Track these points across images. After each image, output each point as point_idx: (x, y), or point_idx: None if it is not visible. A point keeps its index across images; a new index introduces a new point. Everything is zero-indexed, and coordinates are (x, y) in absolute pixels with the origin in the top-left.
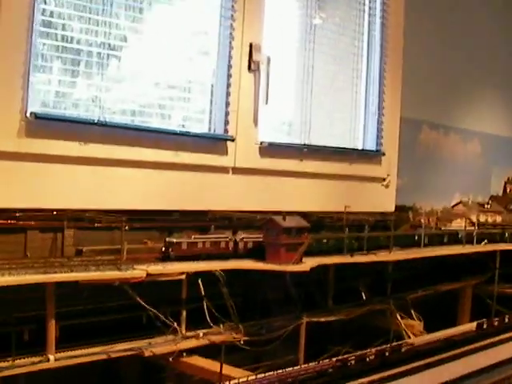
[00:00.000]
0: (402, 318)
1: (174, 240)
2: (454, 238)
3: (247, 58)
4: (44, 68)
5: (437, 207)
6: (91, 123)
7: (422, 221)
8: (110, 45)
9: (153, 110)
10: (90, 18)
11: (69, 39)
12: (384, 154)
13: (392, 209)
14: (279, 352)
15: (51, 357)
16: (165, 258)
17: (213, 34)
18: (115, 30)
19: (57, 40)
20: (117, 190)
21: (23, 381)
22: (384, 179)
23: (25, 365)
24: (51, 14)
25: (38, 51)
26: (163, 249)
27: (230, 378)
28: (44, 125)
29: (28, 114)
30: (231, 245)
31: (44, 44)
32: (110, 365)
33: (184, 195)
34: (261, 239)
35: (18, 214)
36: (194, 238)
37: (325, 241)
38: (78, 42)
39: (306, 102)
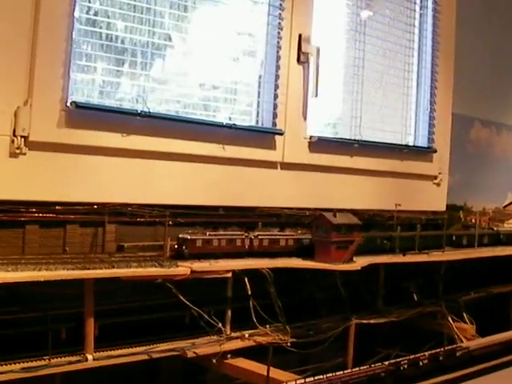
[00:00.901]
0: (453, 320)
1: (188, 237)
2: (508, 239)
3: (296, 50)
4: (86, 55)
5: (488, 207)
6: (134, 114)
7: (474, 220)
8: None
9: (198, 101)
10: None
11: (113, 38)
12: (436, 151)
13: (443, 208)
14: (326, 355)
15: (89, 356)
16: (178, 256)
17: (261, 24)
18: (168, 19)
19: (101, 28)
20: (160, 184)
21: (59, 380)
22: (435, 177)
23: (62, 364)
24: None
25: (80, 38)
26: (176, 246)
27: (277, 382)
28: (85, 115)
29: (68, 104)
30: (247, 242)
31: (86, 30)
32: (149, 366)
33: (230, 191)
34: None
35: (57, 208)
36: (209, 235)
37: (376, 240)
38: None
39: (357, 95)
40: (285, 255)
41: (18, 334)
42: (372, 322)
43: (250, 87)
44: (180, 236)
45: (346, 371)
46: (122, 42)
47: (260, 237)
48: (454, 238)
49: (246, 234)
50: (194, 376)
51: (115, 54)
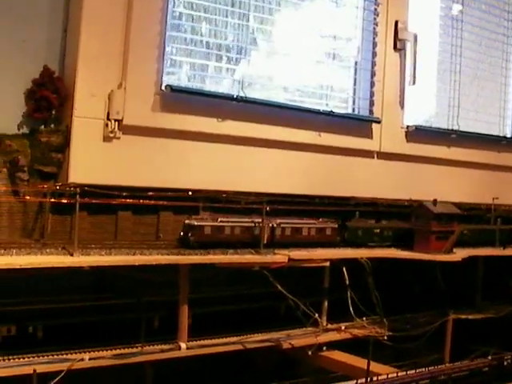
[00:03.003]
0: None
1: (195, 223)
2: None
3: (392, 37)
4: (180, 38)
5: None
6: (230, 98)
7: None
8: None
9: (294, 87)
10: None
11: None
12: None
13: None
14: (420, 350)
15: (183, 345)
16: (183, 244)
17: (358, 9)
18: None
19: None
20: (254, 171)
21: (150, 368)
22: None
23: (154, 352)
24: None
25: (173, 22)
26: (181, 233)
27: (376, 375)
28: (179, 98)
29: (163, 87)
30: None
31: (181, 12)
32: (240, 356)
33: (325, 179)
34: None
35: (150, 194)
36: (221, 222)
37: (476, 232)
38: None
39: (454, 84)
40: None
41: (109, 321)
42: (470, 317)
43: (348, 63)
44: (186, 222)
45: (447, 364)
46: (216, 25)
47: (282, 225)
48: None
49: (264, 222)
50: (286, 368)
51: (209, 37)
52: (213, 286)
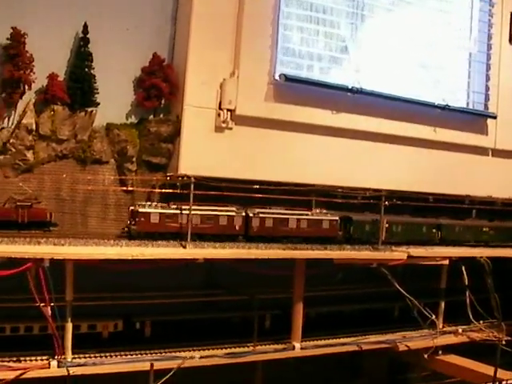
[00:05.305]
0: None
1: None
2: None
3: (508, 29)
4: (293, 26)
5: None
6: (345, 89)
7: None
8: None
9: (408, 80)
10: None
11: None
12: None
13: None
14: None
15: (297, 345)
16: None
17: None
18: None
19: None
20: (367, 166)
21: (260, 368)
22: None
23: (267, 351)
24: None
25: (286, 9)
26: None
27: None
28: (293, 88)
29: (277, 76)
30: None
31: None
32: (350, 359)
33: (439, 177)
34: None
35: (255, 187)
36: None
37: None
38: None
39: None
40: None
41: (220, 318)
42: None
43: (463, 54)
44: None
45: None
46: (331, 13)
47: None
48: None
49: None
50: (398, 373)
51: (324, 26)
52: (325, 284)
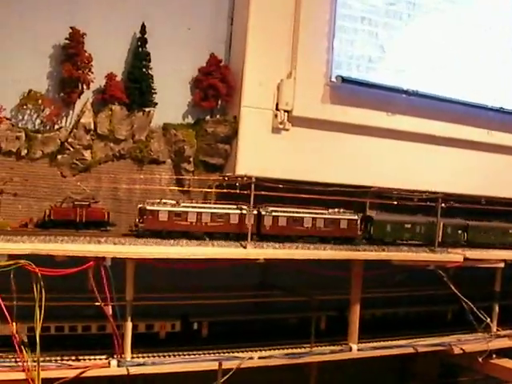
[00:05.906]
0: None
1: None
2: None
3: None
4: (349, 28)
5: None
6: (400, 91)
7: None
8: None
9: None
10: None
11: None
12: None
13: None
14: None
15: (354, 346)
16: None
17: None
18: None
19: None
20: (421, 169)
21: (315, 369)
22: None
23: (323, 353)
24: None
25: (343, 10)
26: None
27: None
28: (350, 90)
29: (333, 78)
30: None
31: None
32: (401, 362)
33: (491, 180)
34: None
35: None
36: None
37: None
38: None
39: None
40: None
41: (277, 319)
42: None
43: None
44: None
45: None
46: (387, 14)
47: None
48: None
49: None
50: (450, 376)
51: (376, 28)
52: (382, 286)
